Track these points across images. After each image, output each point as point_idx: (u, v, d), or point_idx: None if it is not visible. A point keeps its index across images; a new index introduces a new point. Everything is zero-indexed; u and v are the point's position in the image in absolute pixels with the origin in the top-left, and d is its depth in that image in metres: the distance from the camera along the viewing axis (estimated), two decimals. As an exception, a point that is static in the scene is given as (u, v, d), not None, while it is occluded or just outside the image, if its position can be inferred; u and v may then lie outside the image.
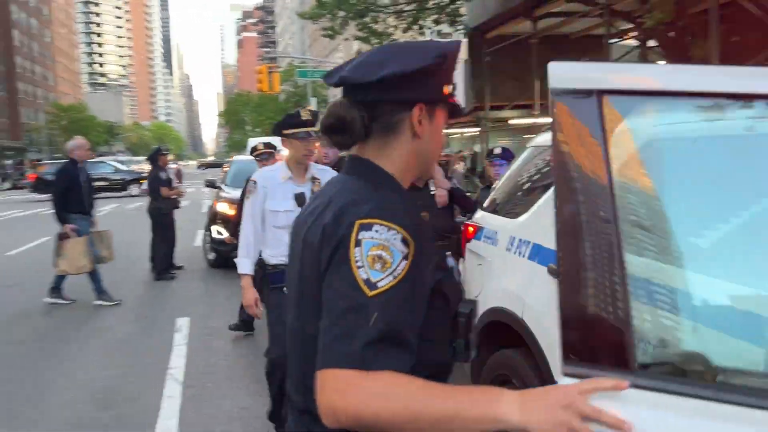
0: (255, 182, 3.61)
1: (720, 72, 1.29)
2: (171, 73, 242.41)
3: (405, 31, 15.84)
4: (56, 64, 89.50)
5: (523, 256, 3.13)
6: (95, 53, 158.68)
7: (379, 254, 1.11)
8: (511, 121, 17.44)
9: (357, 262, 1.10)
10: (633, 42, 14.01)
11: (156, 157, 9.62)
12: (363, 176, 1.26)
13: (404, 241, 1.13)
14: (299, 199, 3.55)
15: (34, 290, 8.32)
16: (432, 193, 4.85)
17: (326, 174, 3.67)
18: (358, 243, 1.11)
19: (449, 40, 1.50)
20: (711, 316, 1.23)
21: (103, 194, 25.85)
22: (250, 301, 3.64)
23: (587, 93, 1.26)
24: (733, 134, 1.29)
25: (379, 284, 1.09)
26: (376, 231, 1.12)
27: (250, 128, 57.69)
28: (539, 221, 3.09)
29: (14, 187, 44.46)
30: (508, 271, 3.25)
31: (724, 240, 1.27)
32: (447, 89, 1.28)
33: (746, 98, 1.20)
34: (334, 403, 1.05)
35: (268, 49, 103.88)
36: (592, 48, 13.87)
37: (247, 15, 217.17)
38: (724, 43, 8.83)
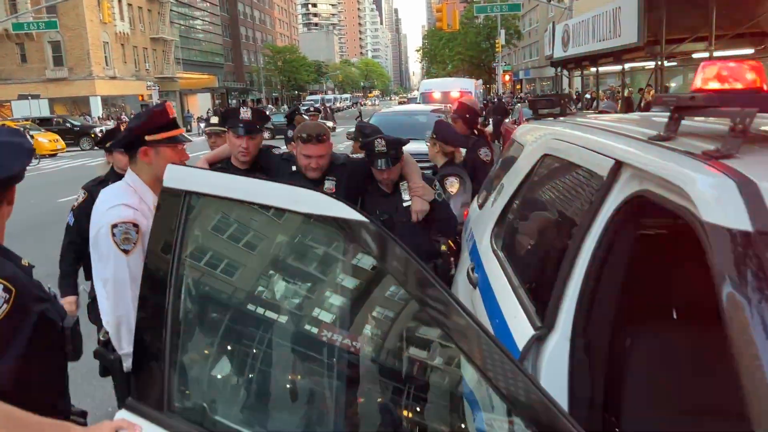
0: (136, 226, 2.30)
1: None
2: (379, 8, 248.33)
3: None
4: (273, 7, 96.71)
5: (468, 248, 3.09)
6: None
7: None
8: (695, 55, 15.47)
9: None
10: None
11: (294, 117, 9.25)
12: None
13: (6, 289, 1.50)
14: None
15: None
16: (405, 203, 3.35)
17: None
18: None
19: None
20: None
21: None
22: None
23: (177, 192, 1.39)
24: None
25: None
26: None
27: (440, 65, 57.65)
28: (486, 215, 3.01)
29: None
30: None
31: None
32: None
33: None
34: None
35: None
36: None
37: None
38: None
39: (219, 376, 1.44)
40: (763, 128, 1.68)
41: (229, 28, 74.88)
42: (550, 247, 2.10)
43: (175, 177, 1.40)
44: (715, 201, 1.20)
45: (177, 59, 57.30)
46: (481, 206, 3.31)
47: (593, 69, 24.42)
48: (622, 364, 1.81)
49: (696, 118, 1.83)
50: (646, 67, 20.94)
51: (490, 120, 23.29)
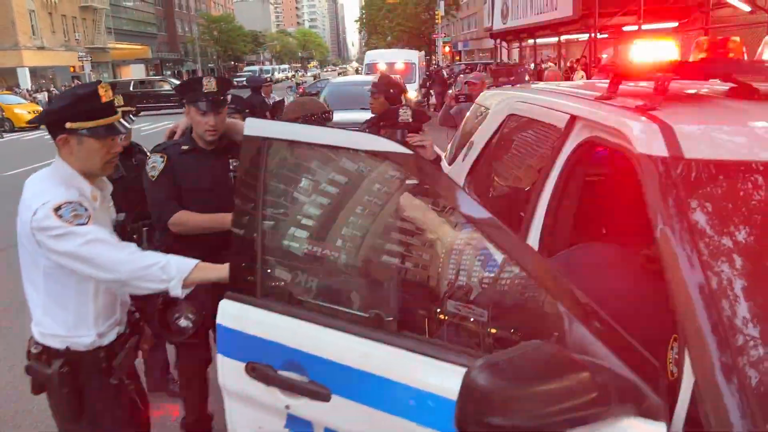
0: (82, 204, 2.03)
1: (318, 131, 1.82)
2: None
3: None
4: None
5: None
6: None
7: None
8: (625, 28, 16.39)
9: None
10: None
11: (261, 89, 9.32)
12: None
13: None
14: None
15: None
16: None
17: None
18: None
19: None
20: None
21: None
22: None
23: (258, 139, 1.84)
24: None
25: None
26: None
27: (380, 36, 57.70)
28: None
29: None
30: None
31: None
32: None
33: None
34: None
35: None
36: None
37: None
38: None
39: (295, 272, 1.91)
40: (680, 90, 2.26)
41: (162, -4, 72.56)
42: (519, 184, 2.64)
43: (255, 127, 1.85)
44: (645, 138, 1.74)
45: (108, 29, 55.23)
46: (451, 163, 3.83)
47: (531, 41, 25.30)
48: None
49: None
50: (580, 39, 21.88)
51: (432, 92, 23.87)
